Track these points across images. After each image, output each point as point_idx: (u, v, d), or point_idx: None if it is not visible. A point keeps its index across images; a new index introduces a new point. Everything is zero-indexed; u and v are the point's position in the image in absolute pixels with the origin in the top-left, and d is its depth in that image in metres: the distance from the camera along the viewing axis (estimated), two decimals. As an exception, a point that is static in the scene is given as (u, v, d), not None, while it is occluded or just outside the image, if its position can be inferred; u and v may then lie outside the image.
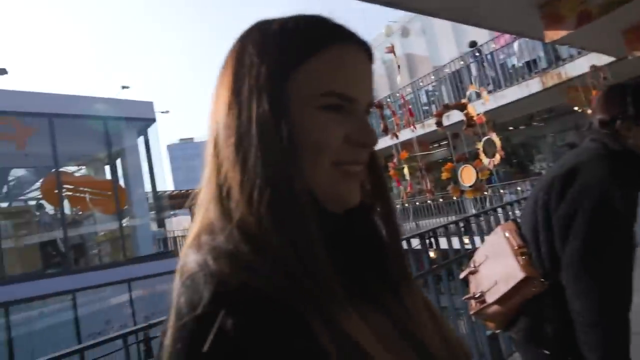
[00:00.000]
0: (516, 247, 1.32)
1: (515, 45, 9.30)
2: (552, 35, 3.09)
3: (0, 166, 10.47)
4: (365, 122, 0.49)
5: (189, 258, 0.43)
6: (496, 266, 1.38)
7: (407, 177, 5.18)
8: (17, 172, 12.39)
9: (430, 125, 10.80)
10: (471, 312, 1.41)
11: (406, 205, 12.38)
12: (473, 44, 10.35)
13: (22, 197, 12.73)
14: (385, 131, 5.33)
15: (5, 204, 11.59)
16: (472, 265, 1.50)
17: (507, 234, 1.38)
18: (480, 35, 9.93)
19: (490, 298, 1.32)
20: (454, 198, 11.02)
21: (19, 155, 10.40)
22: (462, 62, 10.44)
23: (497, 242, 1.43)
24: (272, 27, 0.48)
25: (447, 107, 5.09)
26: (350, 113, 0.48)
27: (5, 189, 12.07)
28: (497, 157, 4.52)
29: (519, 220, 1.45)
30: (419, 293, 0.57)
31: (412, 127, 5.52)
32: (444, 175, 4.60)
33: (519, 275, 1.25)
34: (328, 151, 0.46)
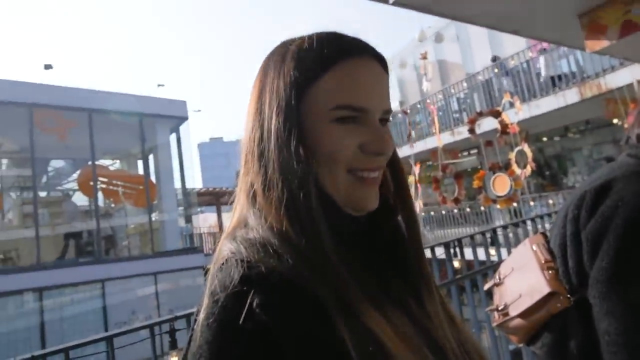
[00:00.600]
0: (543, 261, 1.29)
1: (542, 59, 9.14)
2: (593, 45, 3.00)
3: (42, 156, 10.95)
4: (379, 130, 0.51)
5: (225, 247, 0.48)
6: (522, 279, 1.35)
7: (419, 187, 5.10)
8: (56, 163, 12.93)
9: (460, 133, 10.61)
10: (494, 324, 1.39)
11: (423, 214, 12.17)
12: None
13: (59, 187, 13.27)
14: (409, 138, 5.25)
15: (44, 193, 12.11)
16: (497, 277, 1.48)
17: (534, 247, 1.35)
18: (517, 43, 9.70)
19: (513, 311, 1.30)
20: (482, 208, 10.80)
21: (59, 147, 10.87)
22: (495, 70, 10.21)
23: (524, 254, 1.40)
24: (289, 49, 0.53)
25: (481, 114, 4.99)
26: (364, 122, 0.51)
27: (44, 179, 12.62)
28: (529, 168, 4.40)
29: (548, 233, 1.41)
30: (439, 298, 0.57)
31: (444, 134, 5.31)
32: (476, 184, 4.50)
33: (545, 289, 1.22)
34: (342, 161, 0.50)
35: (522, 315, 1.25)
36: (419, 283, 0.55)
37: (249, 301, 0.41)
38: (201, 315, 0.43)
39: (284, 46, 0.54)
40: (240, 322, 0.40)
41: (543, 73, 9.13)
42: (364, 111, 0.50)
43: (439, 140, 4.90)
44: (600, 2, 2.86)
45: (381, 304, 0.47)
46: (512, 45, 10.01)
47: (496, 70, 10.19)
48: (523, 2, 2.80)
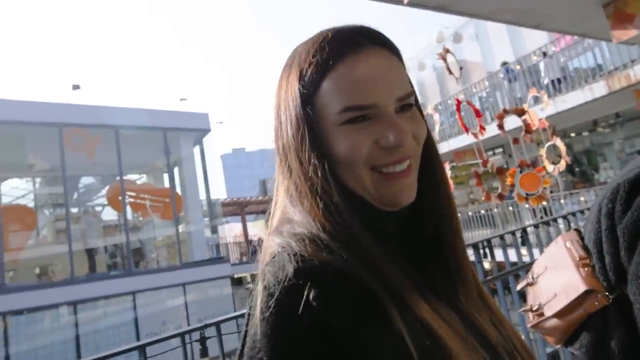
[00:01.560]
0: (578, 258, 1.24)
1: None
2: (620, 35, 2.90)
3: (72, 174, 11.32)
4: (393, 122, 0.49)
5: (272, 242, 0.48)
6: (556, 278, 1.30)
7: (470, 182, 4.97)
8: (86, 180, 13.35)
9: (483, 134, 10.41)
10: (528, 325, 1.33)
11: (458, 215, 11.93)
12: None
13: (90, 203, 13.68)
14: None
15: (75, 209, 12.51)
16: (530, 276, 1.42)
17: (568, 244, 1.30)
18: (539, 37, 9.50)
19: (548, 311, 1.24)
20: (510, 208, 10.52)
21: (88, 164, 11.22)
22: (519, 66, 10.01)
23: (557, 252, 1.35)
24: (294, 61, 0.53)
25: (506, 112, 4.90)
26: (376, 117, 0.50)
27: (75, 195, 13.03)
28: (563, 163, 4.26)
29: (581, 229, 1.36)
30: (484, 294, 0.56)
31: (479, 130, 5.03)
32: (509, 181, 4.38)
33: (581, 288, 1.16)
34: (360, 161, 0.49)
35: (557, 315, 1.20)
36: (462, 278, 0.54)
37: (305, 294, 0.40)
38: (257, 310, 0.43)
39: (291, 57, 0.55)
40: (298, 314, 0.40)
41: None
42: (373, 107, 0.49)
43: (478, 133, 4.76)
44: (625, -10, 2.77)
45: (430, 298, 0.46)
46: (534, 40, 9.81)
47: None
48: (543, -5, 2.73)
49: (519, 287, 1.48)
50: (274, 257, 0.46)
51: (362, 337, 0.40)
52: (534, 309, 1.31)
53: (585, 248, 1.28)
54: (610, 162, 11.38)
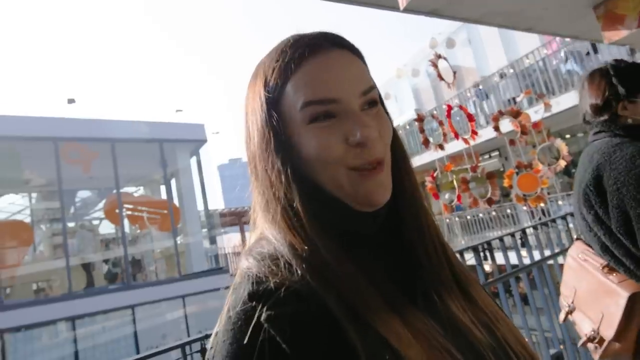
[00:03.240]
0: (601, 267, 1.21)
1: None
2: (611, 35, 2.93)
3: (69, 188, 11.26)
4: (358, 118, 0.48)
5: (242, 264, 0.48)
6: (592, 296, 1.25)
7: (456, 188, 4.94)
8: (82, 194, 13.29)
9: (480, 136, 10.44)
10: (596, 358, 1.25)
11: (448, 220, 11.94)
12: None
13: (87, 217, 13.61)
14: (425, 144, 5.09)
15: (72, 224, 12.44)
16: (564, 304, 1.37)
17: (581, 256, 1.28)
18: (530, 41, 9.59)
19: (606, 332, 1.17)
20: (508, 211, 10.54)
21: (84, 178, 11.18)
22: (511, 70, 10.09)
23: (577, 269, 1.32)
24: (258, 69, 0.54)
25: (501, 113, 4.91)
26: (341, 115, 0.49)
27: (72, 210, 12.96)
28: (562, 163, 4.26)
29: (582, 238, 1.35)
30: (479, 293, 0.54)
31: (471, 135, 5.02)
32: (506, 182, 4.38)
33: (623, 294, 1.13)
34: (333, 160, 0.48)
35: (617, 336, 1.13)
36: (441, 280, 0.52)
37: (257, 317, 0.41)
38: (219, 335, 0.44)
39: (256, 68, 0.55)
40: (247, 338, 0.40)
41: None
42: (335, 102, 0.48)
43: (469, 139, 4.76)
44: (614, -9, 2.80)
45: (401, 307, 0.45)
46: (527, 43, 9.91)
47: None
48: (534, -2, 2.76)
49: (561, 319, 1.39)
50: (238, 281, 0.47)
51: (313, 357, 0.40)
52: (591, 338, 1.24)
53: (599, 253, 1.25)
54: (606, 162, 11.39)
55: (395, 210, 0.54)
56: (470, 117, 4.92)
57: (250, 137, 0.54)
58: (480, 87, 10.90)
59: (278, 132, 0.50)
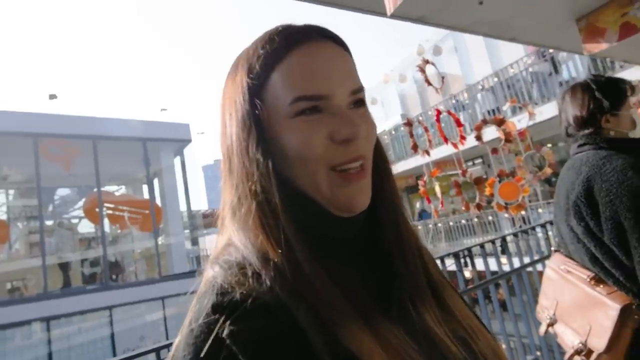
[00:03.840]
0: (588, 279, 1.20)
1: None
2: (592, 48, 2.99)
3: (48, 185, 11.01)
4: (346, 115, 0.47)
5: (207, 273, 0.45)
6: (577, 308, 1.24)
7: (439, 195, 4.98)
8: (62, 192, 13.00)
9: (463, 144, 10.59)
10: None
11: (439, 225, 12.08)
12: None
13: (66, 215, 13.31)
14: (415, 149, 5.14)
15: (50, 222, 12.16)
16: (544, 316, 1.36)
17: (563, 268, 1.28)
18: (514, 51, 9.77)
19: (596, 344, 1.15)
20: (489, 218, 10.68)
21: (64, 176, 10.94)
22: (496, 79, 10.26)
23: (558, 280, 1.31)
24: (240, 58, 0.51)
25: (485, 122, 4.97)
26: (329, 111, 0.47)
27: (50, 208, 12.67)
28: (548, 170, 4.33)
29: (561, 250, 1.35)
30: (457, 303, 0.53)
31: (459, 140, 5.03)
32: (488, 191, 4.43)
33: (614, 306, 1.12)
34: (315, 156, 0.46)
35: (608, 347, 1.10)
36: (418, 289, 0.50)
37: (218, 330, 0.38)
38: (180, 348, 0.40)
39: (237, 59, 0.52)
40: (205, 354, 0.37)
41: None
42: (325, 98, 0.46)
43: (458, 143, 4.80)
44: (597, 5, 2.87)
45: (374, 319, 0.42)
46: (511, 53, 10.09)
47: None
48: (519, 9, 2.80)
49: (541, 332, 1.37)
50: (202, 291, 0.43)
51: None
52: (579, 349, 1.19)
53: (583, 265, 1.24)
54: (585, 172, 11.66)
55: (373, 216, 0.52)
56: (459, 123, 4.96)
57: (226, 129, 0.50)
58: (458, 99, 11.05)
59: (260, 121, 0.47)
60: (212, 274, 0.44)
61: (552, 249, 1.48)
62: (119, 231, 12.17)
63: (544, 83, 9.13)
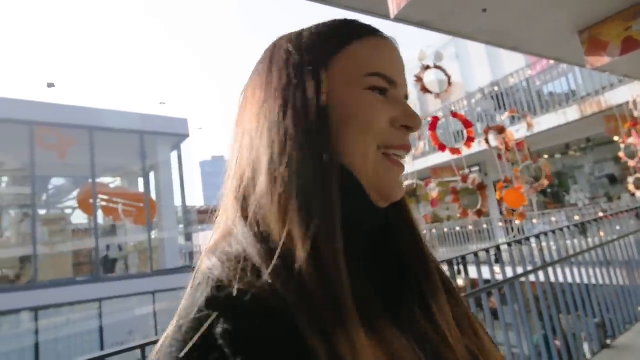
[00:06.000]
0: None
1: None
2: (594, 61, 3.00)
3: (42, 174, 10.93)
4: (409, 107, 0.49)
5: (203, 265, 0.42)
6: None
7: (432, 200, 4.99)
8: (56, 181, 12.92)
9: (470, 146, 10.64)
10: None
11: (433, 231, 12.10)
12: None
13: (59, 205, 13.23)
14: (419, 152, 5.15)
15: (43, 211, 12.06)
16: None
17: None
18: (516, 61, 9.80)
19: None
20: (484, 226, 10.70)
21: (60, 165, 10.87)
22: (495, 88, 10.30)
23: None
24: (305, 29, 0.50)
25: (490, 128, 4.99)
26: (394, 97, 0.49)
27: (44, 197, 12.58)
28: (545, 182, 4.36)
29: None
30: (461, 309, 0.51)
31: (465, 143, 4.88)
32: (498, 195, 4.45)
33: None
34: (374, 132, 0.46)
35: None
36: (429, 292, 0.48)
37: (210, 328, 0.35)
38: (167, 343, 0.37)
39: (295, 31, 0.50)
40: (197, 354, 0.34)
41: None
42: (395, 85, 0.49)
43: (462, 148, 4.78)
44: (599, 18, 2.87)
45: (379, 322, 0.39)
46: (512, 63, 10.12)
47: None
48: (522, 18, 2.81)
49: None
50: (196, 284, 0.40)
51: None
52: None
53: None
54: (581, 184, 11.74)
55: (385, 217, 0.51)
56: (467, 124, 4.85)
57: (265, 79, 0.47)
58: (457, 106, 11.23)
59: (330, 89, 0.45)
60: (208, 265, 0.40)
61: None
62: (112, 224, 12.11)
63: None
